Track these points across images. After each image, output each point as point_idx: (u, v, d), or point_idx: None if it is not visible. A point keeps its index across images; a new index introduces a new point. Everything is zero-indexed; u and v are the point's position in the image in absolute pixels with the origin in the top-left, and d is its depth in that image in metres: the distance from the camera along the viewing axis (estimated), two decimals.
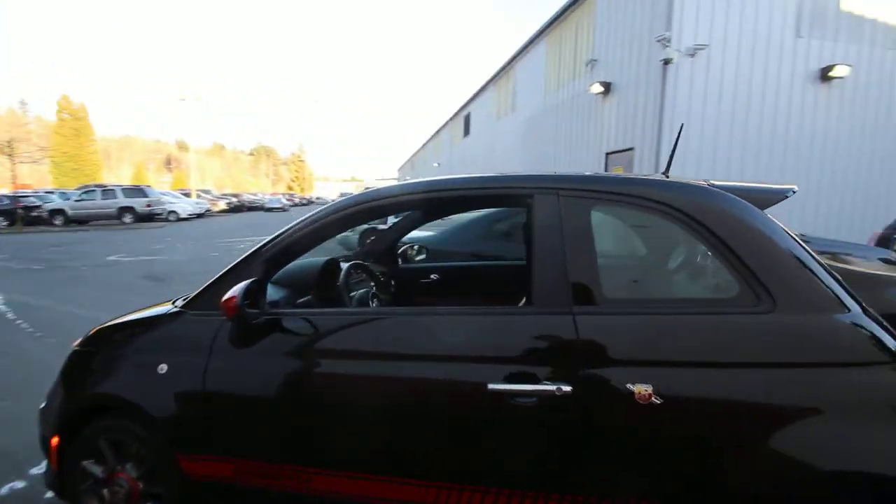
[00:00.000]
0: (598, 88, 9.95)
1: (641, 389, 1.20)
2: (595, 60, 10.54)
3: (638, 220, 1.55)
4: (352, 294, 2.05)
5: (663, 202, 1.33)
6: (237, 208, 33.57)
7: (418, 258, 3.17)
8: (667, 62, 7.93)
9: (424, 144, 40.64)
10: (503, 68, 17.56)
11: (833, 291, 1.21)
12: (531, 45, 14.55)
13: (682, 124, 1.96)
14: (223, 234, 15.80)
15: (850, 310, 1.19)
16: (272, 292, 1.72)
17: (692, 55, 7.96)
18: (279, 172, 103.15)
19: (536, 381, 1.26)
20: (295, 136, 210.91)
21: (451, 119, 28.46)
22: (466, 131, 24.62)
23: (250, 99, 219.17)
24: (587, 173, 1.50)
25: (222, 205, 31.31)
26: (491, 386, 1.28)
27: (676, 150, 1.71)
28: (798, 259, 1.24)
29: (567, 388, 1.23)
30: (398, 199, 1.58)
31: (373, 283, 2.39)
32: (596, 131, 10.56)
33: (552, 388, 1.24)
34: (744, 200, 1.33)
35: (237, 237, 14.74)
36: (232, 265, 1.64)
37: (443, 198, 1.60)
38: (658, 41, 8.09)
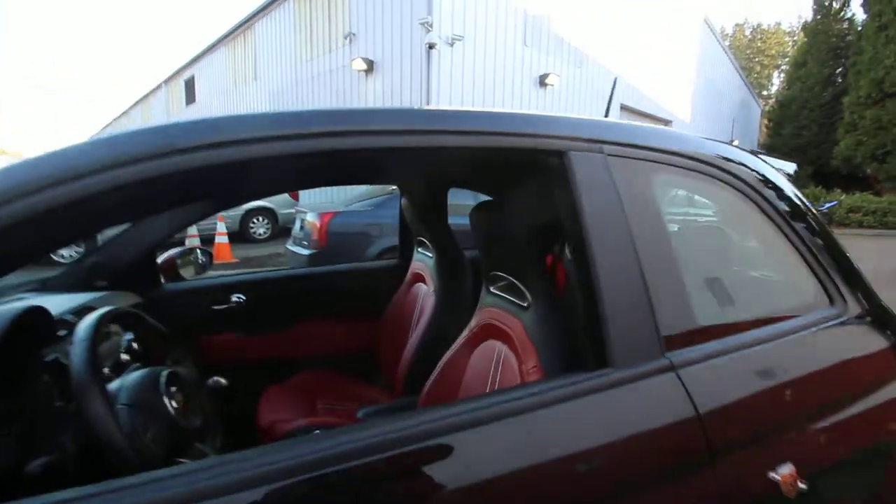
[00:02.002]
0: (360, 65, 9.49)
1: (786, 475, 0.77)
2: (354, 34, 10.01)
3: (701, 196, 1.09)
4: (113, 388, 0.85)
5: (733, 173, 0.94)
6: None
7: (184, 269, 1.75)
8: (431, 46, 8.12)
9: (126, 111, 31.78)
10: (239, 27, 15.02)
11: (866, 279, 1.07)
12: (274, 3, 12.84)
13: (616, 78, 1.66)
14: None
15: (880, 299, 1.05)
16: None
17: (451, 44, 8.41)
18: None
19: None
20: None
21: (166, 81, 22.97)
22: (191, 98, 20.33)
23: None
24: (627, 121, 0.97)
25: None
26: None
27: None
28: (838, 244, 1.04)
29: None
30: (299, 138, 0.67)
31: (132, 343, 1.11)
32: None
33: None
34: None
35: None
36: None
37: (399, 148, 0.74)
38: (421, 24, 8.20)
